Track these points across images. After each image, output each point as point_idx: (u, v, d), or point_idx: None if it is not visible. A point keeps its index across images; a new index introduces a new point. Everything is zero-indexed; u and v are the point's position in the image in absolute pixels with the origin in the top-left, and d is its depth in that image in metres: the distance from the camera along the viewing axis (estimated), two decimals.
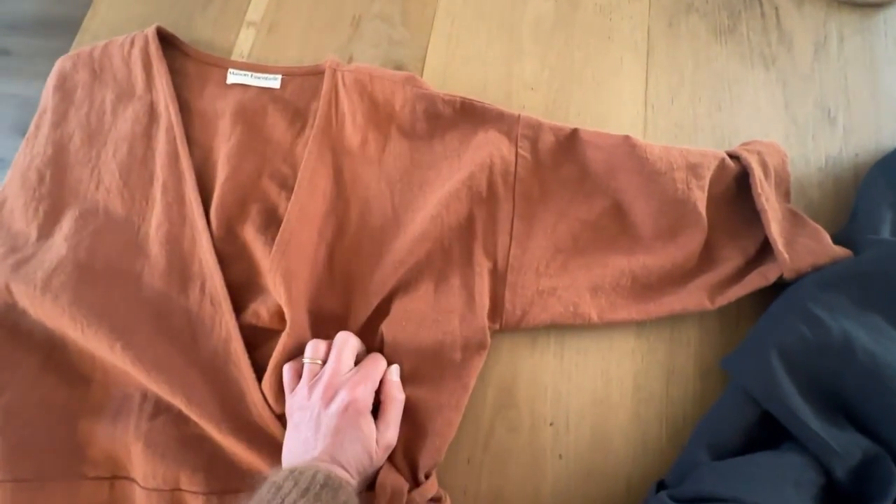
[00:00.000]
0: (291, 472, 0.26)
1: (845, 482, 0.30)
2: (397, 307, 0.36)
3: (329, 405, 0.31)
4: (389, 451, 0.32)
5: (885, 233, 0.37)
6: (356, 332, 0.35)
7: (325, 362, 0.33)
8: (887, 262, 0.34)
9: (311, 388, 0.32)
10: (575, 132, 0.40)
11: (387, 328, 0.36)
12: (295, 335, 0.34)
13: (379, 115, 0.41)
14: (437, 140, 0.41)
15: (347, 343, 0.34)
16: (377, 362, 0.34)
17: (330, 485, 0.25)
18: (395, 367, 0.35)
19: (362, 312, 0.37)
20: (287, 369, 0.34)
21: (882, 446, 0.31)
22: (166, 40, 0.43)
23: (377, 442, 0.31)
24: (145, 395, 0.35)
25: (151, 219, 0.38)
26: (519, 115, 0.41)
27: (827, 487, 0.30)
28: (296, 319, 0.34)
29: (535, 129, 0.41)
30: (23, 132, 0.42)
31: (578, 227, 0.39)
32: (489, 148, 0.39)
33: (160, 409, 0.34)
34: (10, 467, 0.32)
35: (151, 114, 0.41)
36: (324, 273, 0.37)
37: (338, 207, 0.39)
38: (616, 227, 0.39)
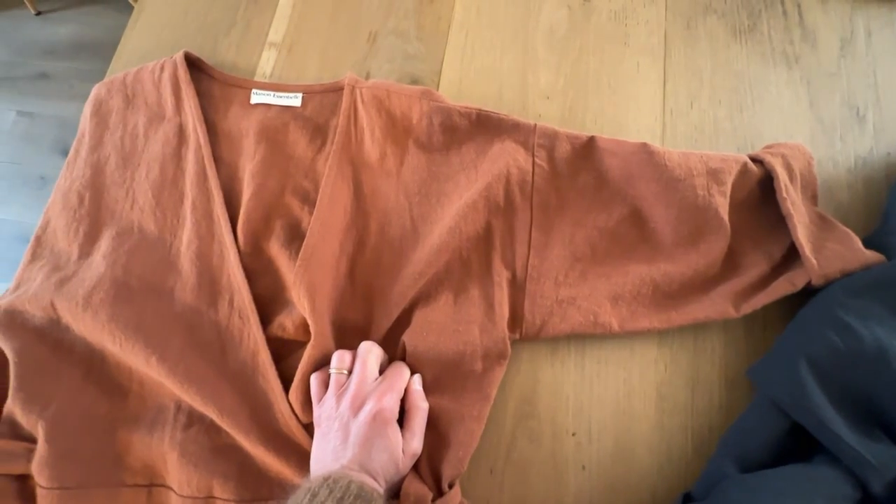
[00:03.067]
0: (326, 479, 0.27)
1: (882, 497, 0.29)
2: (418, 318, 0.37)
3: (357, 414, 0.31)
4: (415, 460, 0.33)
5: None
6: (378, 342, 0.36)
7: (350, 372, 0.34)
8: None
9: (339, 397, 0.33)
10: (591, 140, 0.40)
11: (408, 338, 0.36)
12: (320, 346, 0.35)
13: (396, 130, 0.42)
14: (454, 152, 0.42)
15: (371, 353, 0.34)
16: (401, 371, 0.34)
17: (363, 495, 0.26)
18: (418, 377, 0.35)
19: (384, 323, 0.37)
20: (314, 379, 0.35)
21: None
22: (193, 64, 0.45)
23: (403, 450, 0.32)
24: (179, 405, 0.36)
25: (182, 236, 0.40)
26: (535, 125, 0.41)
27: (862, 502, 0.29)
28: (320, 331, 0.35)
29: (552, 138, 0.41)
30: (62, 151, 0.45)
31: (597, 235, 0.39)
32: (506, 158, 0.40)
33: (193, 419, 0.36)
34: (57, 475, 0.34)
35: (181, 135, 0.43)
36: (346, 285, 0.38)
37: (358, 221, 0.40)
38: (635, 235, 0.39)
